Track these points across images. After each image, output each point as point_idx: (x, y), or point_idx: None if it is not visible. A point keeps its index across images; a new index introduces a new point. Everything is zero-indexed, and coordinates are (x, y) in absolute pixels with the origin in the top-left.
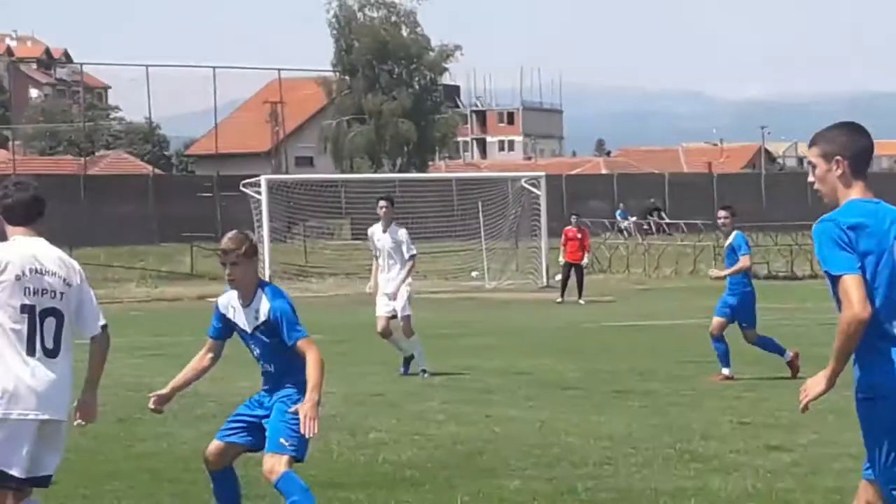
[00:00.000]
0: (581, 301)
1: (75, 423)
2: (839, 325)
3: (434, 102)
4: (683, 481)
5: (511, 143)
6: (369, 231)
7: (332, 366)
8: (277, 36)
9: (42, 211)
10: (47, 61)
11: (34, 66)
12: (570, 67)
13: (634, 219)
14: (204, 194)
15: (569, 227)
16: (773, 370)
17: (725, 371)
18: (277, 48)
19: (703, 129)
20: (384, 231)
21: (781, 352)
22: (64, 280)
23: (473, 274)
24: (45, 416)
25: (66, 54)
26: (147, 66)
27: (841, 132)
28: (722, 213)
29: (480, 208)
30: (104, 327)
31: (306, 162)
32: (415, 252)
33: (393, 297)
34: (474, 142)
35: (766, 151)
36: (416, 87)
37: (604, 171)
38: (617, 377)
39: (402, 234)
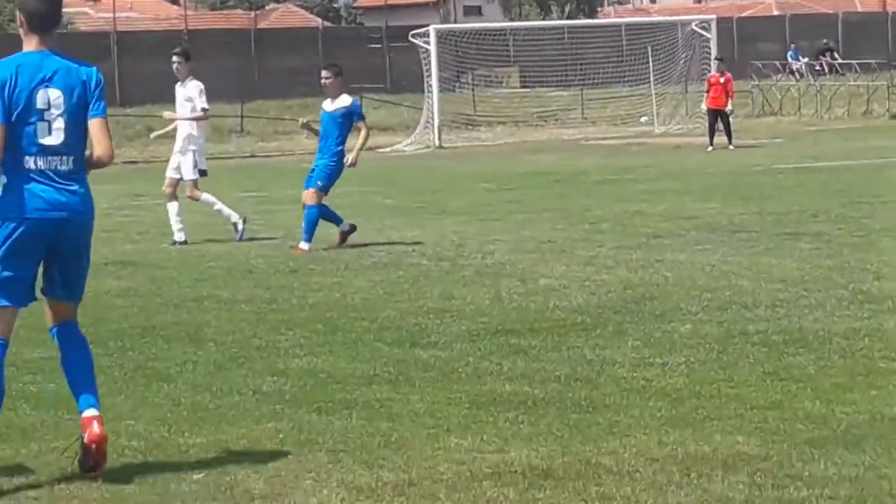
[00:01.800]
0: (731, 146)
1: None
2: None
3: None
4: (857, 322)
5: None
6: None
7: (502, 214)
8: None
9: None
10: None
11: None
12: None
13: (806, 60)
14: (373, 46)
15: (712, 74)
16: None
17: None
18: None
19: None
20: (181, 85)
21: (337, 222)
22: None
23: (642, 119)
24: None
25: None
26: None
27: None
28: (324, 73)
29: (650, 53)
30: None
31: (474, 11)
32: (206, 107)
33: (181, 150)
34: None
35: None
36: None
37: (776, 13)
38: (788, 219)
39: (193, 87)
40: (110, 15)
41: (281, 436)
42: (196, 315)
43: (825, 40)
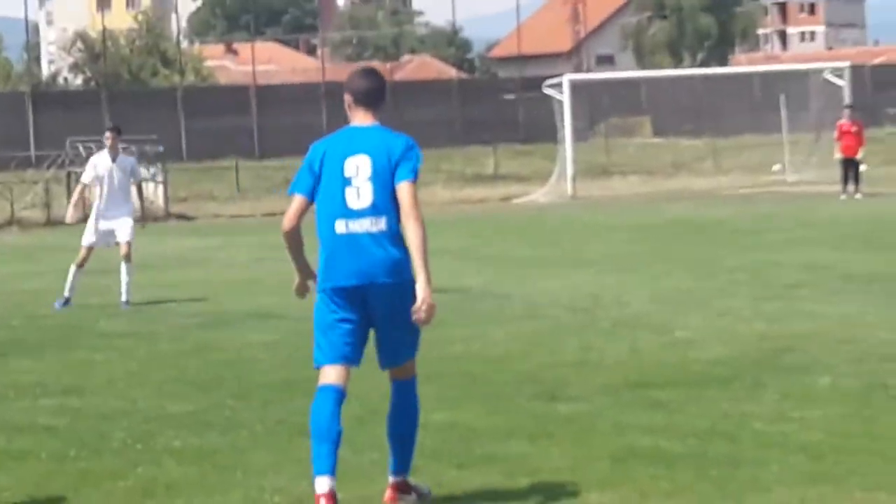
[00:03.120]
0: (858, 196)
1: None
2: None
3: None
4: None
5: (812, 33)
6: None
7: (637, 264)
8: None
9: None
10: None
11: None
12: None
13: None
14: (507, 96)
15: (842, 121)
16: None
17: None
18: None
19: None
20: (114, 160)
21: None
22: None
23: (775, 168)
24: None
25: None
26: None
27: (352, 75)
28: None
29: (782, 101)
30: None
31: (607, 60)
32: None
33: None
34: (775, 34)
35: None
36: None
37: None
38: None
39: (132, 161)
40: (249, 68)
41: None
42: None
43: None
